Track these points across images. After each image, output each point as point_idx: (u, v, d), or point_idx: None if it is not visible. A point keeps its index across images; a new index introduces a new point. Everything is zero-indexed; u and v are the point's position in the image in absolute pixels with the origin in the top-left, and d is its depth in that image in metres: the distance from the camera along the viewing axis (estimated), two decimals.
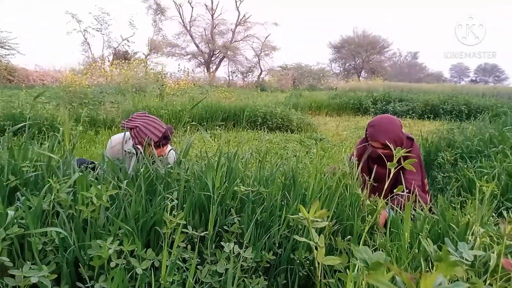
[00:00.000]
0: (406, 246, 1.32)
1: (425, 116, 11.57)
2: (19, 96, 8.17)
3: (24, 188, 1.48)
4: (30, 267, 1.08)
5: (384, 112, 12.26)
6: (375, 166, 2.23)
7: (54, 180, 1.37)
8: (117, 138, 2.44)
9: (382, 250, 1.38)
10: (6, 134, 1.79)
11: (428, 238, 1.09)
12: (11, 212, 1.19)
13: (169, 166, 1.86)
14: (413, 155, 2.46)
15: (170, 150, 2.37)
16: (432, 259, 1.22)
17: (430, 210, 1.95)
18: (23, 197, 1.36)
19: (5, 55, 17.22)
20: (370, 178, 1.97)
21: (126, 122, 2.33)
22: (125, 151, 2.29)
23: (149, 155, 2.09)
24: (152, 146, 2.15)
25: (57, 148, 1.90)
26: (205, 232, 1.45)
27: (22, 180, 1.56)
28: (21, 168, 1.60)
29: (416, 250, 1.38)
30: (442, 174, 3.48)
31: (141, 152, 2.24)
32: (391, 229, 1.59)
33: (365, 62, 39.68)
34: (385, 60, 42.03)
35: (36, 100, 6.56)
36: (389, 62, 43.76)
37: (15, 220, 1.24)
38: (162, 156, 2.28)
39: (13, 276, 1.08)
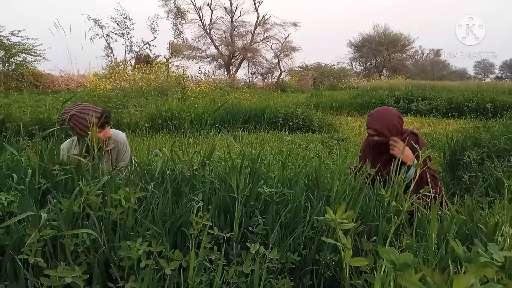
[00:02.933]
0: (434, 247, 1.31)
1: (449, 114, 11.35)
2: (45, 101, 8.40)
3: (55, 191, 1.53)
4: (64, 268, 1.12)
5: (407, 111, 12.10)
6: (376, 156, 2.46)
7: (84, 183, 1.41)
8: (63, 146, 2.47)
9: (408, 251, 1.37)
10: (36, 139, 1.85)
11: (456, 239, 1.08)
12: (44, 215, 1.23)
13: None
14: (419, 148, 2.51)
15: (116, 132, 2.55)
16: (461, 261, 1.21)
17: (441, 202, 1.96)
18: (55, 200, 1.41)
19: (32, 61, 17.67)
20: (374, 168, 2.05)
21: (60, 116, 2.36)
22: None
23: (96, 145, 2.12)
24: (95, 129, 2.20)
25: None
26: (230, 233, 1.47)
27: (53, 183, 1.61)
28: (52, 172, 1.66)
29: (444, 251, 1.36)
30: (469, 174, 3.41)
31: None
32: (418, 230, 1.58)
33: (386, 60, 39.13)
34: (407, 58, 41.38)
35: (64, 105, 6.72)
36: (411, 60, 43.06)
37: (48, 222, 1.28)
38: (108, 138, 2.42)
39: (48, 276, 1.12)
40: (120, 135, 2.67)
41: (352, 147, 6.20)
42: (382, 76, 36.95)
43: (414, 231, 1.48)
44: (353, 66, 41.24)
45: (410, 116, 11.65)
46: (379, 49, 38.50)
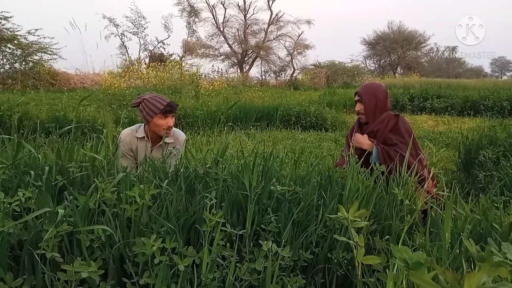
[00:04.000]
0: (447, 246, 1.30)
1: (465, 112, 11.20)
2: (61, 99, 8.53)
3: (71, 188, 1.56)
4: (80, 263, 1.14)
5: (421, 109, 11.98)
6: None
7: (100, 180, 1.43)
8: (124, 131, 2.69)
9: (422, 250, 1.36)
10: (53, 137, 1.89)
11: (469, 239, 1.07)
12: (61, 211, 1.26)
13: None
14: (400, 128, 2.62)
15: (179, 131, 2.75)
16: (474, 260, 1.20)
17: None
18: (71, 196, 1.44)
19: (48, 60, 17.93)
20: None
21: (135, 100, 2.68)
22: (137, 138, 2.64)
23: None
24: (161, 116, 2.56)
25: (101, 149, 1.99)
26: (243, 231, 1.48)
27: (69, 180, 1.64)
28: (68, 169, 1.69)
29: (457, 251, 1.35)
30: (484, 173, 3.37)
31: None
32: (431, 229, 1.57)
33: (401, 58, 38.68)
34: (421, 55, 40.81)
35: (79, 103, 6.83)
36: (426, 58, 42.48)
37: (64, 218, 1.31)
38: (169, 127, 2.60)
39: (64, 271, 1.14)
40: (181, 134, 2.84)
41: None
42: (396, 74, 36.55)
43: (427, 230, 1.47)
44: (367, 64, 40.86)
45: (425, 114, 11.53)
46: (394, 47, 38.07)
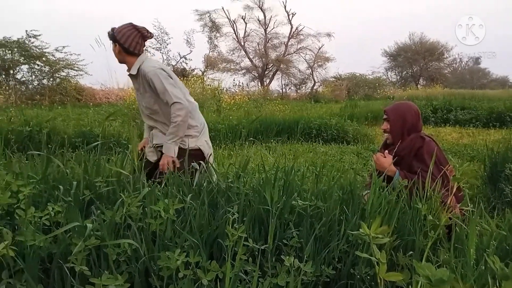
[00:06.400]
0: (472, 262, 1.28)
1: (490, 124, 10.93)
2: (87, 114, 8.76)
3: (98, 202, 1.60)
4: (108, 277, 1.18)
5: (445, 121, 11.77)
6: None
7: (126, 195, 1.47)
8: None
9: (446, 267, 1.35)
10: (80, 152, 1.96)
11: (495, 255, 1.05)
12: (89, 225, 1.30)
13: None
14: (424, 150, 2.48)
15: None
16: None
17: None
18: (98, 211, 1.48)
19: (74, 76, 18.47)
20: None
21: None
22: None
23: None
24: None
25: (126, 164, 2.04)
26: (265, 245, 1.49)
27: (96, 195, 1.69)
28: (95, 183, 1.74)
29: (483, 267, 1.33)
30: (511, 187, 3.28)
31: None
32: (456, 245, 1.54)
33: (423, 69, 38.21)
34: (444, 66, 40.21)
35: (105, 118, 7.01)
36: (449, 69, 41.81)
37: (92, 232, 1.35)
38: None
39: (92, 284, 1.18)
40: (147, 66, 2.63)
41: None
42: (418, 85, 36.08)
43: (452, 246, 1.45)
44: (389, 76, 40.47)
45: (449, 126, 11.32)
46: (415, 58, 37.65)
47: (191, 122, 2.70)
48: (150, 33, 2.68)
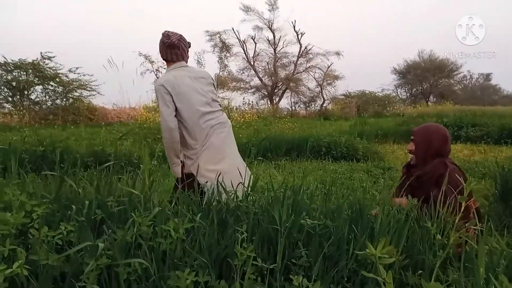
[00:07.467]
0: (482, 282, 1.27)
1: (502, 141, 10.80)
2: (99, 134, 8.88)
3: (110, 221, 1.63)
4: None
5: (456, 138, 11.68)
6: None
7: (137, 215, 1.50)
8: (161, 80, 2.62)
9: (455, 286, 1.34)
10: (92, 171, 1.99)
11: (504, 274, 1.05)
12: (101, 245, 1.32)
13: None
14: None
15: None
16: None
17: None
18: (110, 230, 1.51)
19: (87, 96, 18.82)
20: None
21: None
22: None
23: None
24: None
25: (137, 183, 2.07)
26: (274, 265, 1.49)
27: (108, 214, 1.72)
28: (107, 203, 1.77)
29: (493, 287, 1.32)
30: None
31: None
32: (465, 264, 1.53)
33: (433, 86, 38.10)
34: (454, 83, 40.06)
35: (116, 137, 7.09)
36: (460, 86, 41.63)
37: (103, 252, 1.37)
38: None
39: None
40: (158, 81, 2.64)
41: (398, 176, 6.04)
42: (429, 102, 35.93)
43: (461, 265, 1.44)
44: (399, 93, 40.43)
45: (460, 143, 11.23)
46: (425, 75, 37.62)
47: (189, 141, 2.63)
48: (171, 39, 2.65)
